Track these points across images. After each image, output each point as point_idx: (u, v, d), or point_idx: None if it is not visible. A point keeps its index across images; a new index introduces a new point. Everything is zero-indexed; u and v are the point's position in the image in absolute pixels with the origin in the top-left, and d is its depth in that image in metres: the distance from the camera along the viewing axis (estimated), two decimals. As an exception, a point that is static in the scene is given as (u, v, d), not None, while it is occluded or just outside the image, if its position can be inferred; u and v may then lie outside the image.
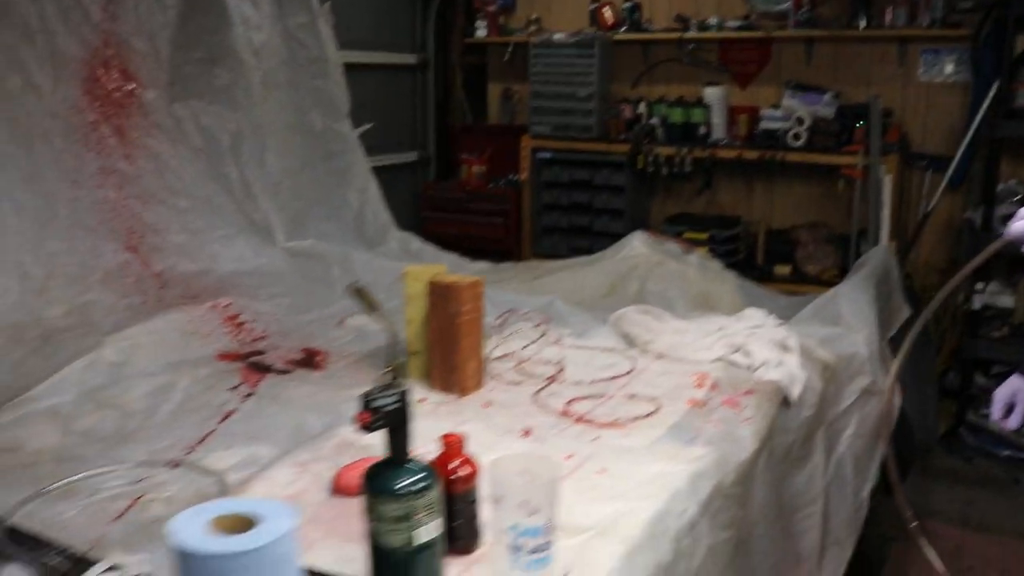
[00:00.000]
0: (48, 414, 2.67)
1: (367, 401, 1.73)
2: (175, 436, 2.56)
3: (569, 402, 2.81)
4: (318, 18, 4.68)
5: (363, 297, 2.94)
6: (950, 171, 5.61)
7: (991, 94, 5.21)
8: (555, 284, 4.41)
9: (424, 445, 1.86)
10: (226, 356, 3.26)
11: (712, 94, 6.04)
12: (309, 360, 3.26)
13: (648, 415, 2.70)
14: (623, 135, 6.22)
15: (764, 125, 5.81)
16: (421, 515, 1.62)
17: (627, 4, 6.38)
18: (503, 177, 6.78)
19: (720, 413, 2.71)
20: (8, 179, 3.36)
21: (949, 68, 5.73)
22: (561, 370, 3.11)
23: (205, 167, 4.15)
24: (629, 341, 3.42)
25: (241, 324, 3.53)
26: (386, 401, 1.74)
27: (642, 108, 6.29)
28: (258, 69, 4.39)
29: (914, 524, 2.23)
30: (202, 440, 2.54)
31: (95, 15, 3.74)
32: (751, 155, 5.80)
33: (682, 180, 6.27)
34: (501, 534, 1.70)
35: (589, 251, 6.01)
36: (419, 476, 1.69)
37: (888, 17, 5.68)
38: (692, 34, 6.14)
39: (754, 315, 3.53)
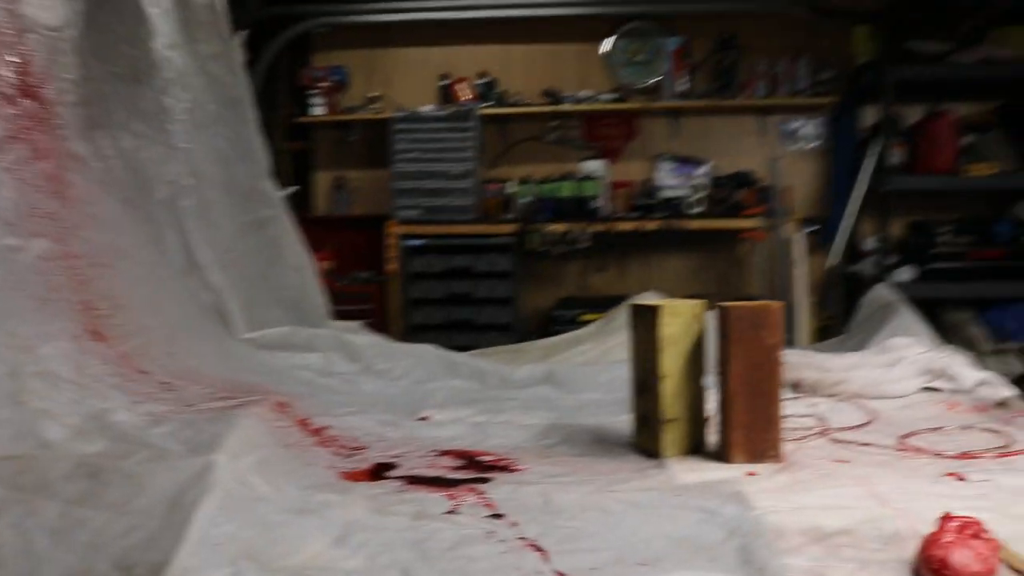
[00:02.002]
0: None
1: None
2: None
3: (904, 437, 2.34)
4: (231, 50, 3.54)
5: None
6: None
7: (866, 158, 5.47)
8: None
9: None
10: (352, 476, 2.05)
11: (596, 168, 5.67)
12: (479, 464, 2.16)
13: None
14: (504, 216, 5.58)
15: (664, 194, 5.53)
16: None
17: (482, 80, 5.86)
18: (350, 274, 5.76)
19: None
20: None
21: (806, 137, 5.95)
22: (823, 420, 2.45)
23: (142, 224, 2.80)
24: (808, 388, 2.88)
25: (319, 430, 2.29)
26: None
27: (514, 187, 5.73)
28: (183, 99, 3.16)
29: None
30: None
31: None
32: (651, 225, 5.46)
33: (567, 261, 5.76)
34: None
35: (474, 347, 5.23)
36: None
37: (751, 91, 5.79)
38: (567, 107, 5.75)
39: (907, 343, 3.12)
